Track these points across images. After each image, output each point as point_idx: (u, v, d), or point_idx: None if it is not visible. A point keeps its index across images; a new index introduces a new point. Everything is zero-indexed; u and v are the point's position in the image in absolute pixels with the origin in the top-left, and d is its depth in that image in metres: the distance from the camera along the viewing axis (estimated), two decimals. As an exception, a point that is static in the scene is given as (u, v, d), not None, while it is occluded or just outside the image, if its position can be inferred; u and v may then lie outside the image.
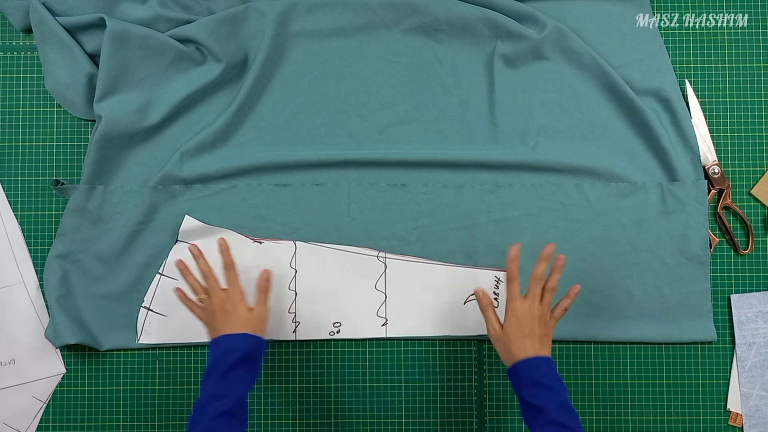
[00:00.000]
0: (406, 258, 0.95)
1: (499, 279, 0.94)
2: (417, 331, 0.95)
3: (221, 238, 0.91)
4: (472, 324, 0.94)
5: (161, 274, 0.94)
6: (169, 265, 0.94)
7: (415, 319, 0.95)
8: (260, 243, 0.95)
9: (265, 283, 0.87)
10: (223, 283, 0.87)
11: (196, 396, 0.94)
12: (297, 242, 0.95)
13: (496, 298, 0.94)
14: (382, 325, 0.95)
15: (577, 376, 0.95)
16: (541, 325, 0.81)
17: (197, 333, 0.93)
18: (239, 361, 0.80)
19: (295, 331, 0.95)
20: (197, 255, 0.90)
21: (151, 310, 0.94)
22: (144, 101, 0.93)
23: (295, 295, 0.95)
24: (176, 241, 0.94)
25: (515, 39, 0.95)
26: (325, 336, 0.95)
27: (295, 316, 0.95)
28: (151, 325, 0.94)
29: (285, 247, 0.95)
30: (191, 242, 0.94)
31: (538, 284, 0.83)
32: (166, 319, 0.94)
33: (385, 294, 0.95)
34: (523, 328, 0.81)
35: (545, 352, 0.81)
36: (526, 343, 0.80)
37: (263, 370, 0.95)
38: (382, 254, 0.95)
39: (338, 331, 0.95)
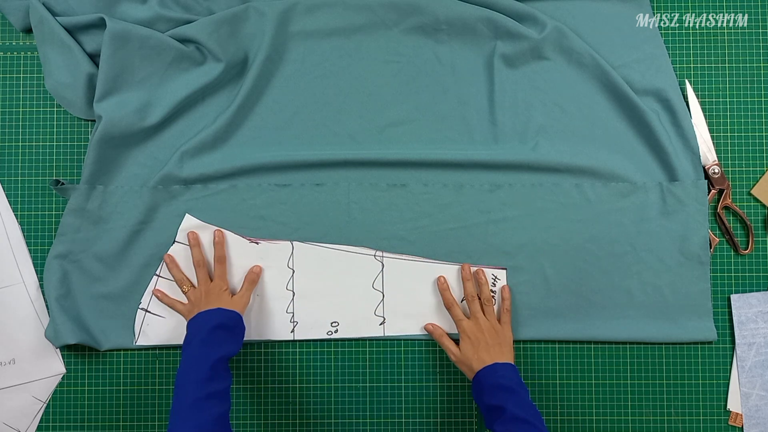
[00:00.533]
0: (403, 257, 0.95)
1: (496, 277, 0.94)
2: (415, 329, 0.95)
3: (217, 230, 0.94)
4: None
5: (158, 276, 0.94)
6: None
7: (412, 317, 0.95)
8: (257, 243, 0.95)
9: (253, 276, 0.92)
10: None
11: (196, 396, 0.94)
12: (294, 242, 0.95)
13: (493, 296, 0.94)
14: (380, 324, 0.95)
15: (577, 376, 0.95)
16: (492, 335, 0.87)
17: None
18: (214, 327, 0.83)
19: (293, 330, 0.95)
20: (193, 243, 0.92)
21: (149, 312, 0.94)
22: (144, 101, 0.93)
23: (293, 295, 0.95)
24: (174, 242, 0.94)
25: (515, 39, 0.95)
26: (323, 335, 0.95)
27: (292, 315, 0.95)
28: (148, 327, 0.94)
29: (282, 247, 0.95)
30: (188, 243, 0.94)
31: (474, 301, 0.91)
32: (163, 321, 0.94)
33: (382, 293, 0.95)
34: (476, 345, 0.86)
35: (505, 359, 0.85)
36: (483, 357, 0.85)
37: (263, 370, 0.95)
38: (379, 253, 0.95)
39: (336, 331, 0.95)
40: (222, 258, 0.92)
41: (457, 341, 0.91)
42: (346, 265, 0.95)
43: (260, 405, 0.95)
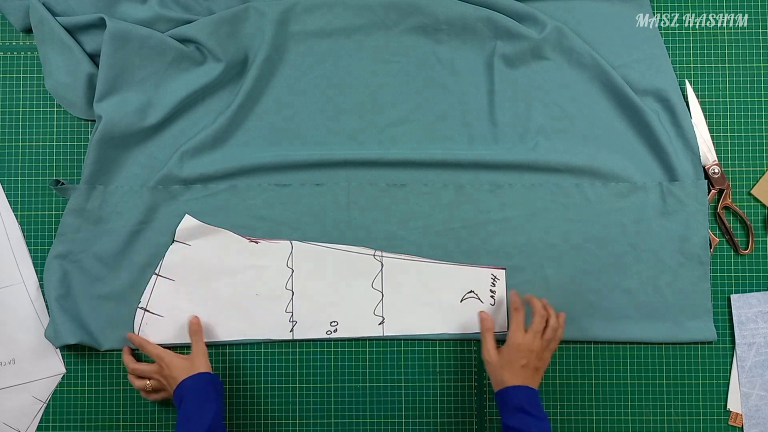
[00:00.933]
0: (402, 256, 0.95)
1: (495, 277, 0.94)
2: (414, 329, 0.95)
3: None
4: (468, 322, 0.94)
5: (158, 275, 0.94)
6: (166, 265, 0.94)
7: (411, 317, 0.95)
8: (257, 243, 0.95)
9: (195, 327, 0.92)
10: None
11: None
12: (293, 242, 0.95)
13: (492, 296, 0.94)
14: (379, 324, 0.95)
15: (577, 376, 0.95)
16: (538, 358, 0.84)
17: None
18: (183, 402, 0.83)
19: (292, 330, 0.95)
20: (140, 344, 0.92)
21: (148, 311, 0.94)
22: (144, 101, 0.93)
23: (292, 295, 0.95)
24: (173, 241, 0.94)
25: (515, 39, 0.95)
26: (323, 335, 0.95)
27: (292, 315, 0.95)
28: (147, 326, 0.94)
29: (281, 246, 0.95)
30: (187, 242, 0.94)
31: (543, 319, 0.86)
32: (162, 320, 0.94)
33: (381, 293, 0.95)
34: (520, 359, 0.83)
35: (535, 384, 0.83)
36: (519, 373, 0.83)
37: (263, 370, 0.95)
38: (378, 253, 0.95)
39: (335, 330, 0.95)
40: (142, 344, 0.91)
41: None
42: (346, 264, 0.95)
43: (260, 405, 0.95)
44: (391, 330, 0.95)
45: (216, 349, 0.95)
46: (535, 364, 0.84)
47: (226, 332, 0.94)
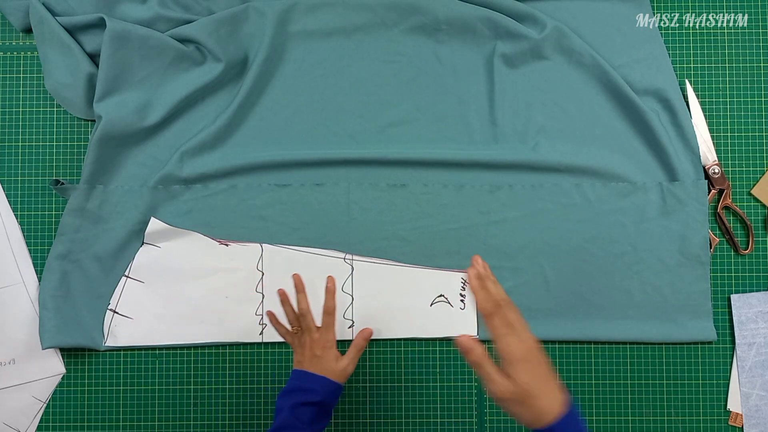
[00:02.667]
0: (372, 260, 0.95)
1: (465, 281, 0.94)
2: (383, 333, 0.94)
3: (329, 277, 0.93)
4: (437, 326, 0.94)
5: (127, 276, 0.94)
6: (135, 267, 0.94)
7: (381, 321, 0.94)
8: (227, 245, 0.94)
9: (362, 342, 0.91)
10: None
11: (197, 396, 0.94)
12: (264, 245, 0.95)
13: (462, 300, 0.94)
14: (349, 327, 0.94)
15: (577, 376, 0.95)
16: (542, 350, 0.64)
17: (162, 335, 0.93)
18: (314, 403, 0.82)
19: (261, 333, 0.94)
20: (299, 289, 0.92)
21: (117, 313, 0.94)
22: (144, 101, 0.93)
23: (262, 297, 0.94)
24: (143, 243, 0.94)
25: (515, 39, 0.95)
26: None
27: (262, 318, 0.94)
28: (117, 328, 0.93)
29: (251, 249, 0.95)
30: (156, 244, 0.94)
31: (500, 310, 0.65)
32: (131, 322, 0.94)
33: (351, 296, 0.95)
34: (537, 370, 0.60)
35: (562, 390, 0.62)
36: (549, 389, 0.60)
37: (263, 370, 0.95)
38: (348, 256, 0.95)
39: None
40: (331, 309, 0.90)
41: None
42: (316, 268, 0.94)
43: (260, 405, 0.95)
44: None
45: (218, 348, 0.95)
46: (545, 358, 0.64)
47: (195, 335, 0.94)
